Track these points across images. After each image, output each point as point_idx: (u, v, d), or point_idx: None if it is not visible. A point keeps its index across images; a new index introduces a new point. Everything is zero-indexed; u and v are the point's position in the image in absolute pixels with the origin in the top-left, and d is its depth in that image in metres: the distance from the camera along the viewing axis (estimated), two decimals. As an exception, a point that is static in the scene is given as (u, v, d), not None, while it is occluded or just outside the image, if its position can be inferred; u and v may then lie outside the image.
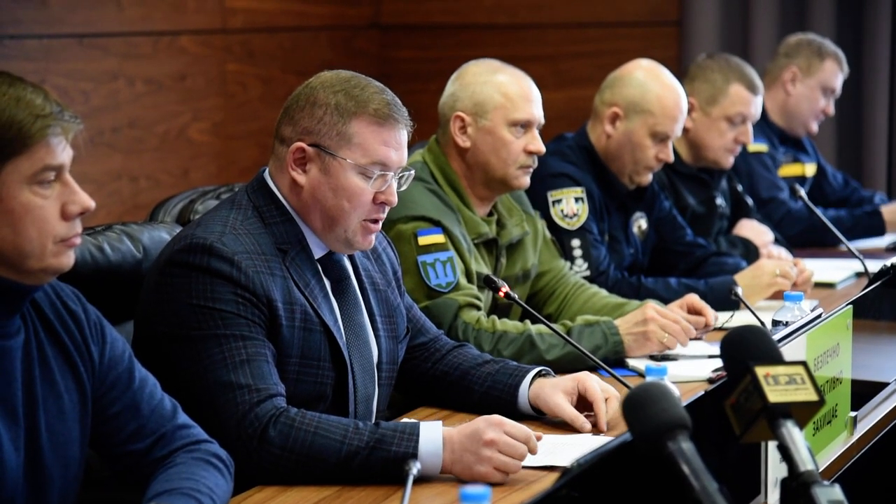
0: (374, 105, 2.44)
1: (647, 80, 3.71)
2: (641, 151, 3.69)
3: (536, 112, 3.24)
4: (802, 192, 4.22)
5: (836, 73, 4.86)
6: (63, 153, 1.92)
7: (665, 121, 3.67)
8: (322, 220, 2.46)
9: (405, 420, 2.40)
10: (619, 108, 3.70)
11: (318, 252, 2.49)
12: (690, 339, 3.23)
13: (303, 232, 2.48)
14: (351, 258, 2.57)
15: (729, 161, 4.23)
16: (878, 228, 4.75)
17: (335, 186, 2.44)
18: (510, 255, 3.32)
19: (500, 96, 3.21)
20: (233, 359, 2.30)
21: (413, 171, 2.54)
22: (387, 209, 2.49)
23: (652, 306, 3.16)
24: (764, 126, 4.69)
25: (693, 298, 3.27)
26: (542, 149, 3.24)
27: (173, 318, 2.34)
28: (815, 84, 4.84)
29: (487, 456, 2.23)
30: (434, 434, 2.26)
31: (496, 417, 2.28)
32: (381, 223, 2.49)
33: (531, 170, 3.25)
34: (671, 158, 3.72)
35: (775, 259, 3.83)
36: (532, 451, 2.27)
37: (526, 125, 3.22)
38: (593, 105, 3.78)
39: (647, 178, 3.75)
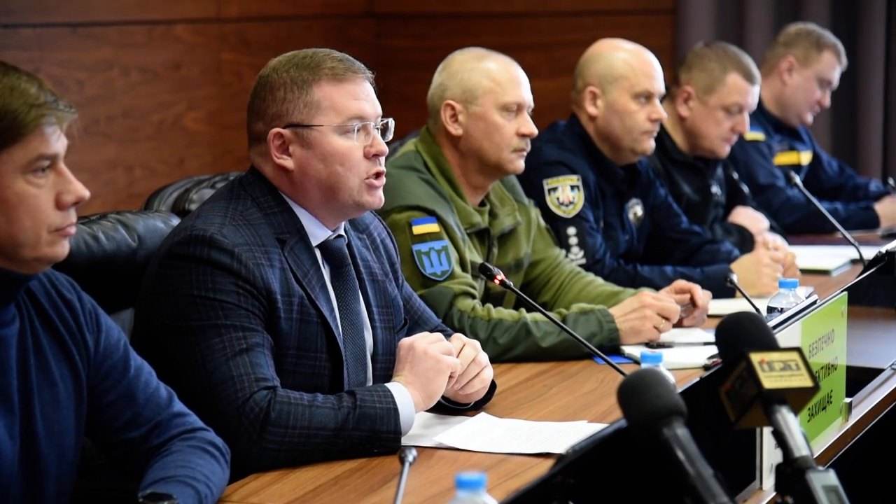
0: (328, 65, 2.44)
1: (608, 51, 3.73)
2: (630, 117, 3.69)
3: (526, 95, 3.24)
4: (797, 180, 4.22)
5: (833, 66, 4.85)
6: (57, 142, 1.92)
7: (641, 79, 3.69)
8: (322, 194, 2.45)
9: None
10: (593, 86, 3.71)
11: (316, 238, 2.49)
12: (686, 328, 3.24)
13: (300, 220, 2.47)
14: (350, 248, 2.57)
15: (725, 150, 4.24)
16: (872, 222, 4.75)
17: (323, 155, 2.44)
18: (502, 244, 3.32)
19: (489, 81, 3.21)
20: (233, 348, 2.31)
21: (392, 119, 2.53)
22: (383, 161, 2.48)
23: (647, 293, 3.17)
24: (759, 115, 4.69)
25: (681, 283, 3.28)
26: (535, 130, 3.24)
27: (174, 310, 2.34)
28: (812, 75, 4.83)
29: (434, 367, 2.41)
30: (398, 387, 2.40)
31: (419, 336, 2.45)
32: (383, 177, 2.48)
33: (525, 153, 3.25)
34: (664, 115, 3.72)
35: (772, 256, 3.78)
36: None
37: (517, 108, 3.22)
38: (571, 99, 3.79)
39: (649, 144, 3.73)
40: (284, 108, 2.43)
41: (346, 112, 2.43)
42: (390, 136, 2.51)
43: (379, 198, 2.48)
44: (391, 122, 2.51)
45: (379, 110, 2.48)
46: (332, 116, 2.43)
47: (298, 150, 2.44)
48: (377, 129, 2.47)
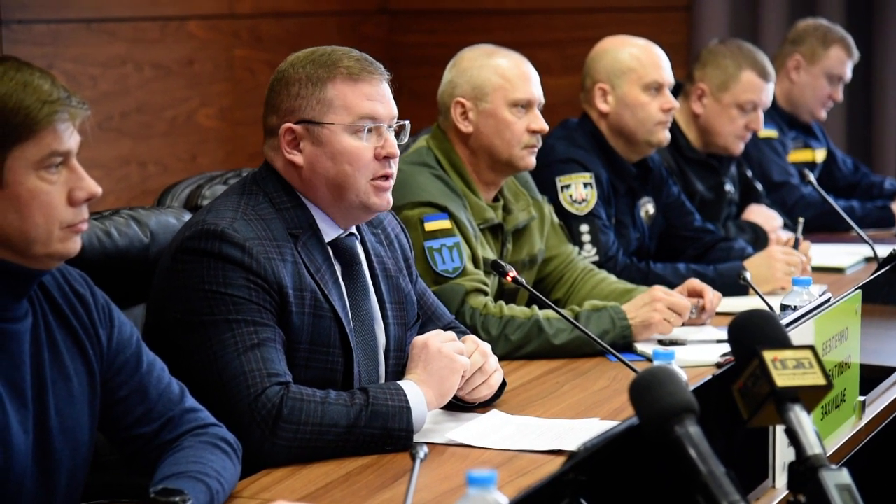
0: (345, 64, 2.44)
1: (614, 47, 3.73)
2: (643, 109, 3.68)
3: (536, 91, 3.23)
4: (812, 178, 4.20)
5: (841, 61, 4.82)
6: (70, 139, 1.92)
7: (649, 70, 3.68)
8: (330, 192, 2.45)
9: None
10: (602, 83, 3.70)
11: (329, 236, 2.49)
12: (696, 326, 3.23)
13: (314, 216, 2.47)
14: (363, 243, 2.56)
15: (739, 147, 4.22)
16: (889, 221, 4.73)
17: (332, 153, 2.43)
18: (516, 240, 3.32)
19: (499, 78, 3.20)
20: (244, 343, 2.31)
21: (408, 122, 2.53)
22: (394, 164, 2.47)
23: (660, 288, 3.16)
24: (773, 112, 4.67)
25: (694, 282, 3.28)
26: (545, 127, 3.23)
27: (185, 304, 2.35)
28: (819, 72, 4.81)
29: (448, 366, 2.40)
30: (411, 386, 2.39)
31: (432, 335, 2.45)
32: (391, 179, 2.48)
33: (536, 149, 3.24)
34: (676, 104, 3.72)
35: (785, 252, 3.76)
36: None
37: (526, 105, 3.21)
38: (581, 100, 3.78)
39: (664, 134, 3.72)
40: (298, 104, 2.44)
41: (358, 111, 2.43)
42: (405, 139, 2.51)
43: (387, 200, 2.47)
44: (407, 125, 2.51)
45: (394, 112, 2.47)
46: (344, 115, 2.43)
47: (309, 146, 2.45)
48: (391, 130, 2.47)
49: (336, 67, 2.43)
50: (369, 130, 2.44)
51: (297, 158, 2.45)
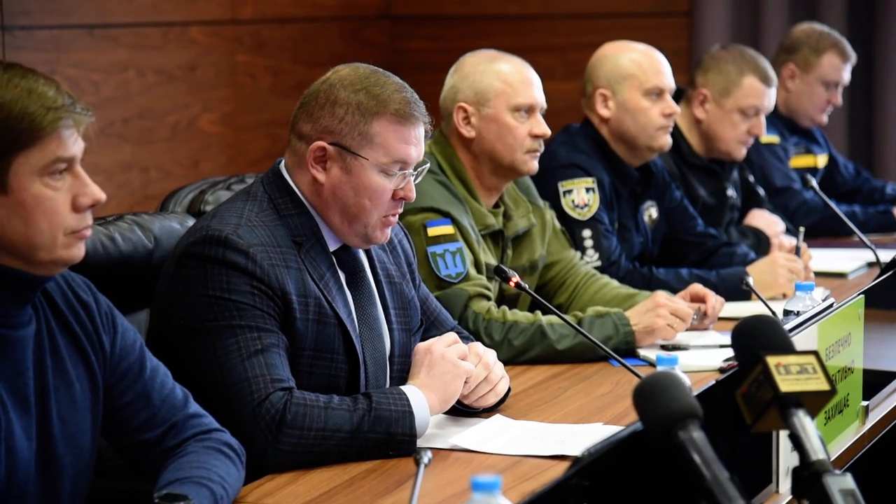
0: (395, 105, 2.44)
1: (615, 53, 3.73)
2: (644, 115, 3.68)
3: (538, 96, 3.24)
4: (814, 183, 4.21)
5: (836, 67, 4.82)
6: (74, 145, 1.92)
7: (650, 75, 3.68)
8: (341, 217, 2.46)
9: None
10: (603, 88, 3.71)
11: (332, 244, 2.50)
12: (699, 331, 3.23)
13: (318, 224, 2.48)
14: (366, 250, 2.57)
15: (741, 153, 4.22)
16: (890, 225, 4.73)
17: (356, 185, 2.44)
18: (516, 246, 3.32)
19: (501, 83, 3.21)
20: (248, 349, 2.31)
21: (428, 164, 2.55)
22: (403, 203, 2.50)
23: (662, 293, 3.16)
24: (774, 118, 4.67)
25: (696, 287, 3.28)
26: (547, 131, 3.24)
27: (189, 310, 2.35)
28: (814, 80, 4.80)
29: (451, 371, 2.41)
30: (414, 390, 2.40)
31: (435, 340, 2.45)
32: (397, 217, 2.50)
33: (538, 154, 3.25)
34: (677, 109, 3.72)
35: (787, 257, 3.76)
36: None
37: (529, 109, 3.22)
38: (582, 105, 3.78)
39: (665, 139, 3.71)
40: (339, 128, 2.44)
41: (394, 155, 2.44)
42: (420, 179, 2.53)
43: (387, 235, 2.50)
44: (427, 167, 2.53)
45: (422, 155, 2.49)
46: (380, 154, 2.44)
47: (336, 169, 2.45)
48: (412, 174, 2.48)
49: (387, 104, 2.43)
50: (396, 173, 2.45)
51: (321, 177, 2.46)
